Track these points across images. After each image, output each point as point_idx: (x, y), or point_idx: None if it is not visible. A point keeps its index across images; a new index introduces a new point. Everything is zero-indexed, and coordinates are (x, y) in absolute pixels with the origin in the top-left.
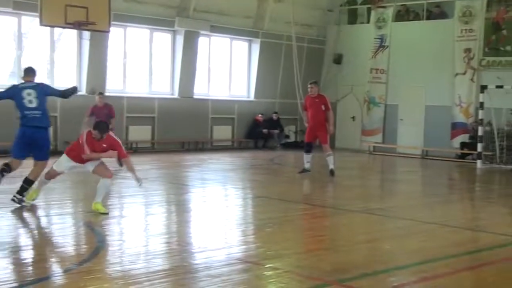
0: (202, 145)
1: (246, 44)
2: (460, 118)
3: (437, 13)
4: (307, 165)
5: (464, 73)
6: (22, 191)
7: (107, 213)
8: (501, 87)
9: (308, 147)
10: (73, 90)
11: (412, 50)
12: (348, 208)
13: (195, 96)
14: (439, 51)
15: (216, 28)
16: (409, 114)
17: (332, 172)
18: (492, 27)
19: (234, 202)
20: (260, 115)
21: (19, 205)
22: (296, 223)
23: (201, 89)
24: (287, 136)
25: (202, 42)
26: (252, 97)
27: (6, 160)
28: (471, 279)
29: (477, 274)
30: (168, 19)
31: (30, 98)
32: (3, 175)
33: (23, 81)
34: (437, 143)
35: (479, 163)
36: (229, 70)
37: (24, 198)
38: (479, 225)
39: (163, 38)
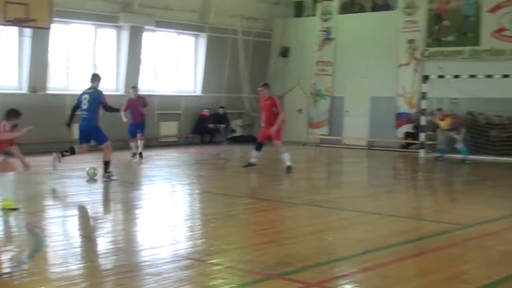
0: (148, 142)
1: (192, 38)
2: (404, 108)
3: (382, 4)
4: (253, 160)
5: (408, 64)
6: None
7: (17, 209)
8: (442, 77)
9: (258, 146)
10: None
11: (357, 42)
12: (293, 201)
13: (140, 92)
14: (383, 42)
15: (161, 23)
16: (355, 105)
17: (288, 169)
18: (434, 18)
19: (179, 198)
20: (206, 110)
21: None
22: (240, 218)
23: (147, 85)
24: (234, 131)
25: (148, 37)
26: (198, 92)
27: None
28: (413, 267)
29: (419, 262)
30: (113, 15)
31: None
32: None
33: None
34: (382, 134)
35: (422, 152)
36: (176, 65)
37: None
38: (421, 213)
39: (107, 34)
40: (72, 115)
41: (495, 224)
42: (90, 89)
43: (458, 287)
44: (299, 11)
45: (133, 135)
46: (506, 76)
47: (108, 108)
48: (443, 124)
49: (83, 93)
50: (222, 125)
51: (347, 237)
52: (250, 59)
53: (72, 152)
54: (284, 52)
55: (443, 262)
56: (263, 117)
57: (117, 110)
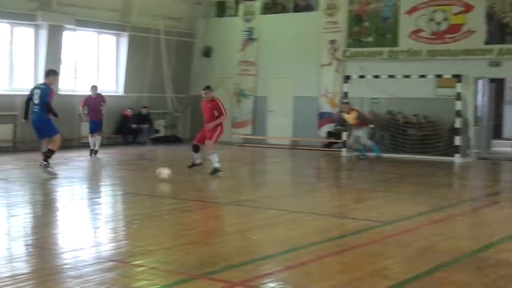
0: (69, 143)
1: (113, 38)
2: (327, 108)
3: (303, 5)
4: (198, 161)
5: (330, 64)
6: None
7: None
8: (363, 77)
9: (194, 148)
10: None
11: (280, 42)
12: (217, 201)
13: (59, 92)
14: (306, 43)
15: (81, 22)
16: (278, 105)
17: (215, 171)
18: (354, 19)
19: (102, 199)
20: (129, 110)
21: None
22: (164, 219)
23: (68, 85)
24: (157, 131)
25: (68, 36)
26: (121, 92)
27: None
28: (335, 264)
29: (341, 259)
30: (30, 13)
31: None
32: None
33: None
34: (305, 133)
35: (344, 151)
36: (97, 65)
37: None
38: (343, 211)
39: (25, 33)
40: (27, 108)
41: (414, 220)
42: (43, 85)
43: (379, 283)
44: (221, 11)
45: (92, 131)
46: (422, 76)
47: (49, 109)
48: (349, 118)
49: (35, 87)
50: (145, 126)
51: (271, 236)
52: (173, 59)
53: (51, 152)
54: (207, 52)
55: (365, 259)
56: (204, 120)
57: (56, 115)
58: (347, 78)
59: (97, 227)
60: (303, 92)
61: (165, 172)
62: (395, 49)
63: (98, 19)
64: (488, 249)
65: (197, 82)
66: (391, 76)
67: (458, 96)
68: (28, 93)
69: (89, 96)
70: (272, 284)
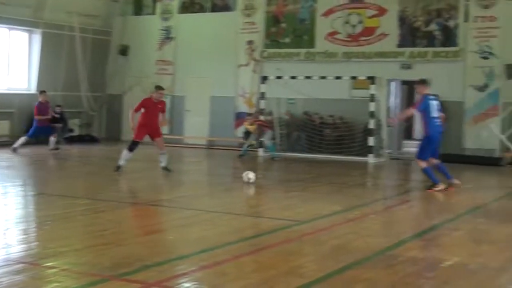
0: None
1: (26, 34)
2: (244, 108)
3: (221, 5)
4: (123, 162)
5: (247, 65)
6: None
7: None
8: (280, 77)
9: (134, 145)
10: None
11: (198, 42)
12: (133, 201)
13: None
14: (223, 43)
15: None
16: (196, 105)
17: (165, 169)
18: (272, 20)
19: (12, 200)
20: None
21: None
22: (77, 219)
23: None
24: (71, 130)
25: None
26: (33, 90)
27: None
28: (250, 264)
29: (256, 258)
30: None
31: None
32: None
33: None
34: (222, 133)
35: (260, 151)
36: (8, 62)
37: None
38: (259, 211)
39: None
40: None
41: (328, 219)
42: None
43: (294, 281)
44: (138, 9)
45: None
46: (338, 77)
47: None
48: (252, 128)
49: None
50: (59, 124)
51: (186, 236)
52: (88, 57)
53: None
54: (124, 51)
55: (280, 257)
56: (145, 118)
57: None
58: (264, 79)
59: (7, 229)
60: (221, 92)
61: (250, 176)
62: (311, 50)
63: (10, 15)
64: (398, 247)
65: (113, 81)
66: (307, 77)
67: (372, 98)
68: None
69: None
70: (187, 284)
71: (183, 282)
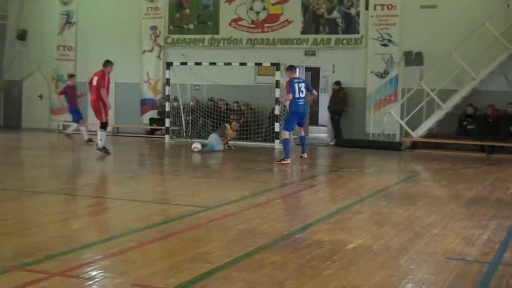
0: None
1: None
2: (149, 94)
3: None
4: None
5: (152, 50)
6: None
7: None
8: (185, 63)
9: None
10: None
11: (100, 27)
12: (36, 190)
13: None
14: (127, 28)
15: None
16: None
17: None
18: (175, 5)
19: None
20: None
21: None
22: None
23: None
24: None
25: None
26: None
27: None
28: (157, 250)
29: (164, 245)
30: None
31: None
32: None
33: None
34: (127, 120)
35: (167, 137)
36: None
37: None
38: (166, 197)
39: None
40: None
41: (235, 205)
42: None
43: (201, 266)
44: None
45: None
46: (243, 64)
47: None
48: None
49: None
50: None
51: (92, 224)
52: None
53: None
54: (22, 35)
55: (187, 243)
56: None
57: None
58: (169, 65)
59: None
60: (125, 78)
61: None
62: (216, 36)
63: None
64: (304, 230)
65: (11, 67)
66: (212, 64)
67: (277, 84)
68: None
69: (68, 85)
70: (93, 273)
71: (88, 271)
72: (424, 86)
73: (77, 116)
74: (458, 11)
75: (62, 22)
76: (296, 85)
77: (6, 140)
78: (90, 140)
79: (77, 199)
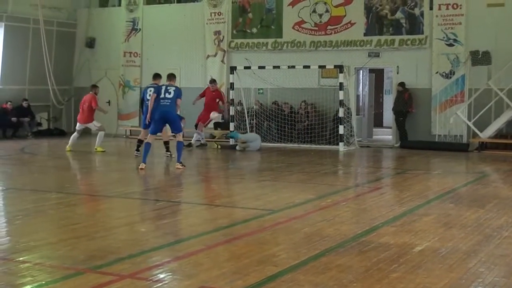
0: None
1: None
2: None
3: None
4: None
5: (215, 55)
6: None
7: None
8: (249, 68)
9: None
10: None
11: (165, 33)
12: (104, 194)
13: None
14: (190, 33)
15: None
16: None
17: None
18: (239, 10)
19: None
20: (8, 103)
21: None
22: (49, 213)
23: None
24: (39, 124)
25: None
26: None
27: None
28: (224, 253)
29: (230, 247)
30: None
31: None
32: None
33: None
34: (192, 125)
35: (231, 141)
36: None
37: None
38: (232, 201)
39: None
40: None
41: (301, 208)
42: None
43: (268, 269)
44: (104, 1)
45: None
46: (306, 67)
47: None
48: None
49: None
50: (26, 119)
51: (159, 227)
52: (54, 50)
53: None
54: (90, 43)
55: (253, 246)
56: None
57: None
58: (233, 69)
59: None
60: (190, 82)
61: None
62: (279, 40)
63: None
64: (370, 233)
65: (80, 74)
66: (276, 67)
67: (341, 86)
68: None
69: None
70: (161, 275)
71: (157, 273)
72: (492, 86)
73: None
74: None
75: (128, 29)
76: (160, 89)
77: (76, 146)
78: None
79: (144, 202)
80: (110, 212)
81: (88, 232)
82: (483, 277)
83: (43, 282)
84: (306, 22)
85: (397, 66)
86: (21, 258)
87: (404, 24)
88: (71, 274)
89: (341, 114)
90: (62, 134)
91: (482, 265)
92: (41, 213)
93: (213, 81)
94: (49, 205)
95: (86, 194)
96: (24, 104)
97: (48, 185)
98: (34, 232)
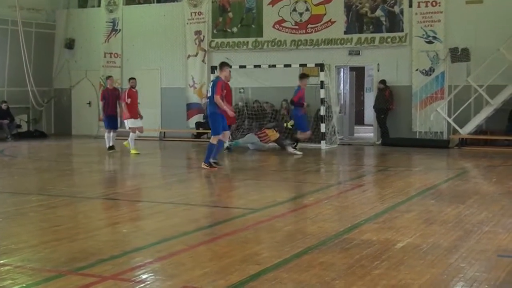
0: None
1: None
2: (195, 98)
3: None
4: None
5: (196, 55)
6: None
7: None
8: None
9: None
10: None
11: (145, 33)
12: (86, 195)
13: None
14: (171, 33)
15: None
16: (146, 97)
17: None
18: (219, 10)
19: None
20: None
21: None
22: (30, 216)
23: None
24: (19, 126)
25: None
26: None
27: None
28: (206, 253)
29: (212, 247)
30: None
31: None
32: None
33: None
34: (174, 125)
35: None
36: None
37: None
38: (214, 200)
39: None
40: None
41: (283, 206)
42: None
43: (251, 268)
44: (83, 1)
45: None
46: (287, 65)
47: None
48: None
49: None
50: (6, 121)
51: (141, 228)
52: (33, 52)
53: None
54: (70, 44)
55: (236, 245)
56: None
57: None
58: (213, 69)
59: None
60: (171, 83)
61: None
62: (259, 39)
63: None
64: (352, 230)
65: (60, 75)
66: (256, 66)
67: (322, 85)
68: None
69: (106, 89)
70: (144, 276)
71: (139, 274)
72: (471, 83)
73: (111, 124)
74: (504, 5)
75: (108, 30)
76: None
77: (57, 147)
78: (111, 148)
79: (125, 203)
80: (90, 214)
81: (70, 234)
82: (464, 272)
83: (24, 285)
84: (286, 21)
85: (378, 64)
86: (1, 261)
87: (384, 22)
88: (52, 277)
89: (322, 112)
90: (43, 136)
91: (463, 260)
92: (21, 215)
93: None
94: (29, 208)
95: (67, 195)
96: (3, 106)
97: (28, 188)
98: (15, 235)
